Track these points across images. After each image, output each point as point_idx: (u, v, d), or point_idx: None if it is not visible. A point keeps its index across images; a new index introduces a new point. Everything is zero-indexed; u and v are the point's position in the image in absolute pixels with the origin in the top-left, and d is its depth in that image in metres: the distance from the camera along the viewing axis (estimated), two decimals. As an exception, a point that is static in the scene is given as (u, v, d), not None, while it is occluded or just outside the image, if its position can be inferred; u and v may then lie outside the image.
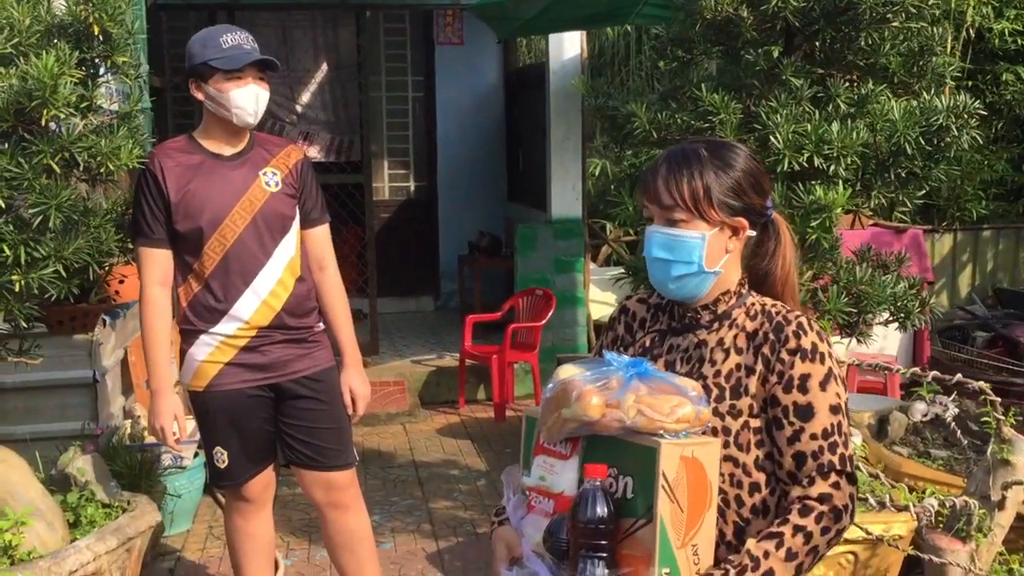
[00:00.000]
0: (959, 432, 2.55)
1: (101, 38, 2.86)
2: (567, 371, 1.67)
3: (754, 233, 1.75)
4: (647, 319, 1.87)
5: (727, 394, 1.69)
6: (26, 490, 3.19)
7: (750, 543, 1.60)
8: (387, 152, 8.92)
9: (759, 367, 1.68)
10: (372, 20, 8.63)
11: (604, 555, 1.54)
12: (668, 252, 1.71)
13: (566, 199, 7.01)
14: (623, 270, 3.76)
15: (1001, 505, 2.36)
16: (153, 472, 4.12)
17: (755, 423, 1.68)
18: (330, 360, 3.19)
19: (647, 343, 1.83)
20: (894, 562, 3.41)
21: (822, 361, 1.65)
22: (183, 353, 3.09)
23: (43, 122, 2.62)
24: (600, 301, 7.48)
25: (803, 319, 1.69)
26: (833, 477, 1.62)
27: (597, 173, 8.63)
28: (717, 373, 1.71)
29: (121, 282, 4.24)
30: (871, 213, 3.20)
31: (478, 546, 4.38)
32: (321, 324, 3.21)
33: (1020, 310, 5.46)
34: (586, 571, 1.54)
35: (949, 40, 3.38)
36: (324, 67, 8.77)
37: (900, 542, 3.25)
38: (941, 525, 2.50)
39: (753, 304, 1.75)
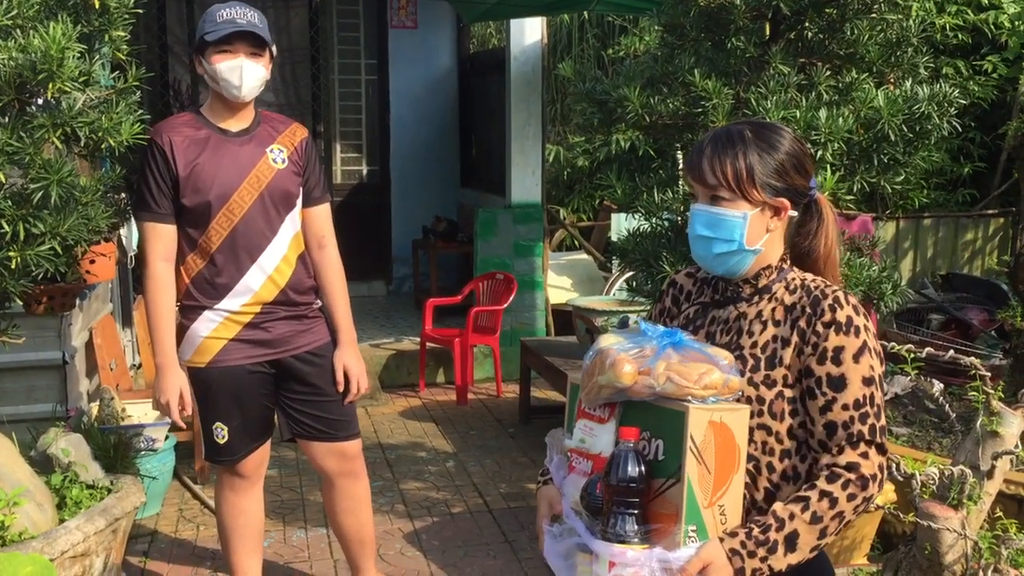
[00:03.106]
0: (948, 407, 2.67)
1: (99, 11, 2.82)
2: (606, 340, 1.75)
3: (796, 213, 1.80)
4: (692, 292, 1.94)
5: (762, 364, 1.75)
6: (13, 471, 3.14)
7: (776, 505, 1.67)
8: (339, 135, 8.86)
9: (794, 339, 1.73)
10: (325, 2, 8.57)
11: (635, 512, 1.62)
12: (710, 230, 1.78)
13: (526, 184, 7.06)
14: (616, 255, 3.81)
15: (990, 474, 2.48)
16: (128, 454, 4.06)
17: (789, 393, 1.73)
18: (328, 336, 3.22)
19: (690, 314, 1.91)
20: (868, 532, 3.56)
21: (856, 334, 1.70)
22: (183, 329, 3.08)
23: (49, 95, 2.57)
24: (556, 286, 7.56)
25: (840, 293, 1.74)
26: (862, 447, 1.67)
27: (550, 160, 8.72)
28: (754, 344, 1.77)
29: (93, 262, 4.16)
30: (851, 198, 3.30)
31: (454, 526, 4.42)
32: (318, 301, 3.23)
33: (972, 294, 5.68)
34: (617, 526, 1.61)
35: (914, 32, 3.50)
36: (275, 47, 8.65)
37: (877, 512, 3.39)
38: (927, 494, 2.61)
39: (794, 279, 1.80)
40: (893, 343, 2.88)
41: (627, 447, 1.64)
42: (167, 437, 4.49)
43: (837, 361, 1.69)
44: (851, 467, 1.66)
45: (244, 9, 2.97)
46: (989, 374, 2.51)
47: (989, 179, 8.26)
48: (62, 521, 3.18)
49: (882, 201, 7.80)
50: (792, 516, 1.64)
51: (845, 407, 1.68)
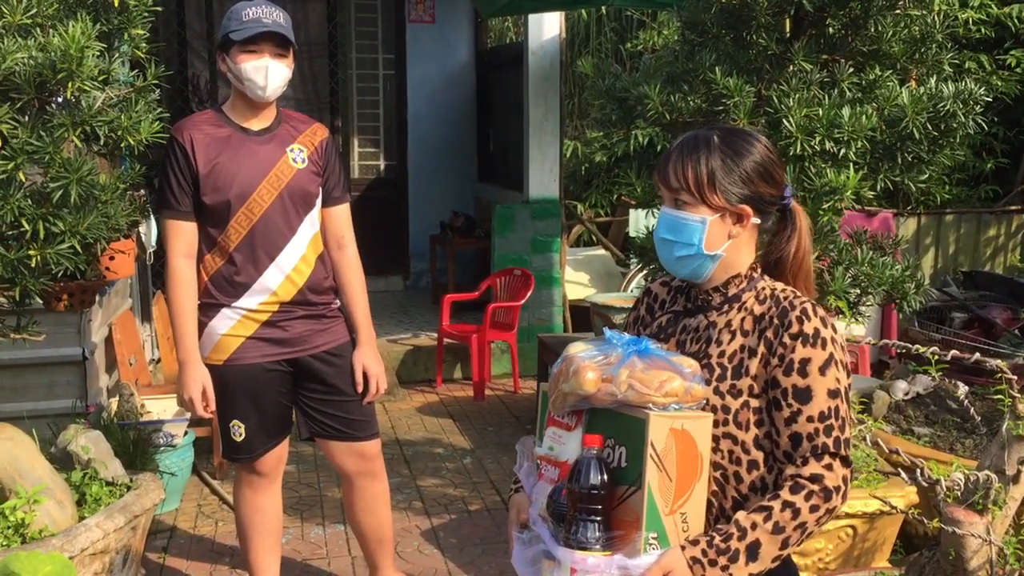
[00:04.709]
0: (972, 409, 2.64)
1: (119, 10, 2.82)
2: (574, 347, 1.76)
3: (759, 221, 1.78)
4: (667, 301, 1.94)
5: (728, 374, 1.74)
6: (33, 468, 3.15)
7: (739, 514, 1.66)
8: (357, 130, 8.85)
9: (761, 349, 1.73)
10: (344, -4, 8.57)
11: (598, 519, 1.63)
12: (672, 233, 1.78)
13: (543, 180, 7.04)
14: (634, 253, 3.79)
15: (1016, 479, 2.45)
16: (147, 450, 4.08)
17: (755, 403, 1.72)
18: (347, 335, 3.22)
19: (663, 322, 1.90)
20: (890, 535, 3.53)
21: (823, 346, 1.69)
22: (201, 326, 3.08)
23: (68, 95, 2.57)
24: (574, 282, 7.54)
25: (808, 305, 1.73)
26: (827, 459, 1.67)
27: (568, 155, 8.68)
28: (721, 353, 1.76)
29: (112, 258, 4.17)
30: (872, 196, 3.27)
31: (471, 523, 4.42)
32: (337, 301, 3.22)
33: (995, 292, 5.62)
34: (579, 533, 1.63)
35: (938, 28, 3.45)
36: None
37: (899, 515, 3.36)
38: (950, 499, 2.58)
39: (764, 288, 1.79)
40: (917, 344, 2.85)
41: (590, 454, 1.66)
42: (186, 433, 4.51)
43: (803, 373, 1.69)
44: (815, 479, 1.66)
45: (269, 8, 2.97)
46: (1015, 377, 2.48)
47: (1012, 175, 8.18)
48: (82, 518, 3.19)
49: (903, 198, 7.74)
50: (754, 526, 1.64)
51: (810, 419, 1.68)
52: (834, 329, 1.73)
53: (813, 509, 1.65)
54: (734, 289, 1.80)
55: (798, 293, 1.77)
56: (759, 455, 1.72)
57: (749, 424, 1.72)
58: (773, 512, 1.64)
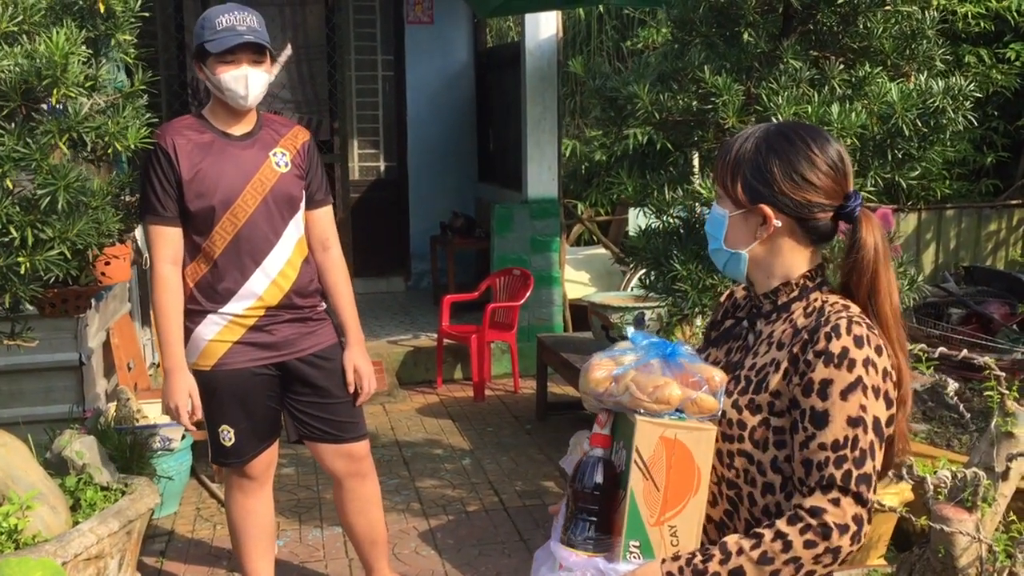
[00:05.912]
0: (962, 406, 2.63)
1: (105, 16, 2.82)
2: (618, 345, 1.74)
3: (779, 224, 1.65)
4: (741, 305, 1.85)
5: (751, 388, 1.65)
6: (27, 473, 3.16)
7: (730, 537, 1.59)
8: (357, 132, 8.86)
9: (785, 364, 1.62)
10: (341, -1, 8.58)
11: (593, 519, 1.62)
12: (709, 225, 1.75)
13: (542, 179, 7.04)
14: (628, 253, 3.79)
15: (1005, 476, 2.44)
16: (144, 455, 4.08)
17: (777, 422, 1.62)
18: (334, 337, 3.22)
19: (727, 327, 1.83)
20: (885, 532, 3.52)
21: (850, 368, 1.55)
22: (187, 332, 3.08)
23: (54, 102, 2.58)
24: (574, 281, 7.53)
25: (844, 320, 1.58)
26: (834, 493, 1.53)
27: (568, 154, 8.68)
28: (753, 366, 1.67)
29: (108, 263, 4.18)
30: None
31: (469, 524, 4.42)
32: (323, 303, 3.23)
33: (993, 287, 5.60)
34: (569, 530, 1.64)
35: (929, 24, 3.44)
36: (290, 45, 8.68)
37: (891, 513, 3.35)
38: (940, 496, 2.57)
39: (816, 299, 1.66)
40: (912, 341, 2.85)
41: (593, 455, 1.65)
42: (184, 436, 4.51)
43: (823, 395, 1.56)
44: (815, 512, 1.53)
45: (243, 13, 2.96)
46: (1003, 374, 2.47)
47: (1012, 169, 8.15)
48: (76, 523, 3.19)
49: (903, 192, 7.71)
50: (740, 551, 1.55)
51: (822, 446, 1.55)
52: (877, 351, 1.57)
53: (808, 545, 1.52)
54: (784, 298, 1.69)
55: (849, 307, 1.63)
56: (776, 478, 1.62)
57: (768, 444, 1.62)
58: (763, 540, 1.54)
